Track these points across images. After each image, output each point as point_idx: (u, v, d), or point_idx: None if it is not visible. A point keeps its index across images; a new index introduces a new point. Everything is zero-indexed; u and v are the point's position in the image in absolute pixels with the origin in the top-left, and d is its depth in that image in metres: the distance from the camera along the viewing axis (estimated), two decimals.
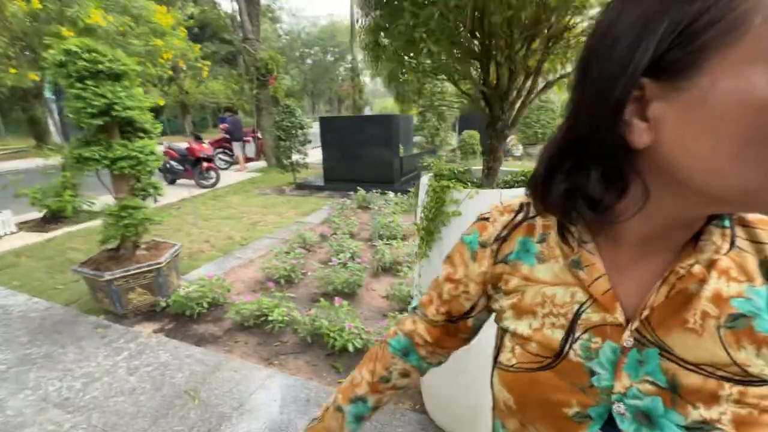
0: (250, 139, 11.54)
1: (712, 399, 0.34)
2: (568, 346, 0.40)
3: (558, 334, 0.41)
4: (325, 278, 3.26)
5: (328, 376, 2.29)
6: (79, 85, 2.40)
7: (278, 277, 3.43)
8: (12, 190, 5.27)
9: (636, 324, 0.37)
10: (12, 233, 5.28)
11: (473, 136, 9.13)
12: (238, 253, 4.28)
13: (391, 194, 5.65)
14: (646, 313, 0.37)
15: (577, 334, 0.40)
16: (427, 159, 6.71)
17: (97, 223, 5.72)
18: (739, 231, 0.37)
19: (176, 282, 3.19)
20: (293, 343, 2.61)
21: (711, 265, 0.36)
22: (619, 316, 0.38)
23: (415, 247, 1.93)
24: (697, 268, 0.35)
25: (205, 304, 2.99)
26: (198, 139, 8.66)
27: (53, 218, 5.69)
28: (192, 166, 8.10)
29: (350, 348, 2.38)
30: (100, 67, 2.45)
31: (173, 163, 8.29)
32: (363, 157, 7.06)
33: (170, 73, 7.56)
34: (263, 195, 7.20)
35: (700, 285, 0.36)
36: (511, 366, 0.44)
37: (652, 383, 0.36)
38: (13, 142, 19.03)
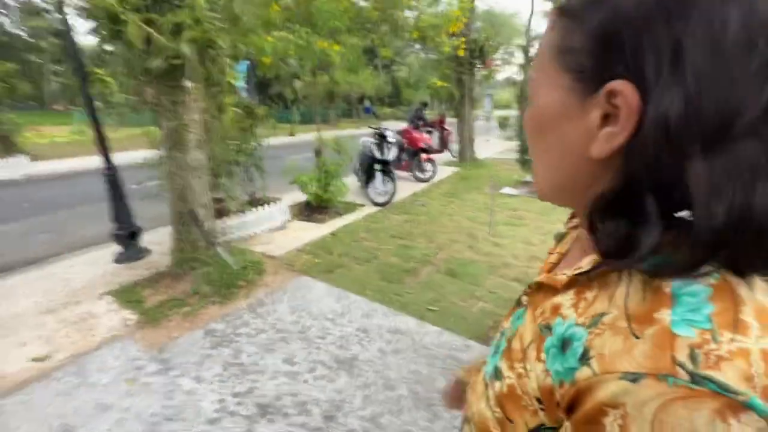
0: (432, 129, 10.77)
1: (511, 363, 0.39)
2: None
3: None
4: None
5: None
6: None
7: None
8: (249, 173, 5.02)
9: (526, 288, 0.46)
10: (288, 221, 5.05)
11: None
12: None
13: None
14: (532, 283, 0.44)
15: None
16: None
17: (357, 216, 5.26)
18: (639, 287, 0.30)
19: None
20: None
21: (573, 284, 0.37)
22: (535, 286, 0.44)
23: None
24: (563, 277, 0.38)
25: None
26: (416, 126, 8.03)
27: (317, 207, 5.38)
28: (411, 157, 7.45)
29: None
30: None
31: None
32: None
33: (447, 50, 7.01)
34: (513, 196, 6.13)
35: (558, 288, 0.38)
36: None
37: (509, 332, 0.44)
38: None
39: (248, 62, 13.68)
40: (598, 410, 0.27)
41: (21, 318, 2.86)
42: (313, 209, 5.38)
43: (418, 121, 8.98)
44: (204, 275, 3.15)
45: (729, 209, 0.26)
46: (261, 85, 21.76)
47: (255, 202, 4.83)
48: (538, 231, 4.47)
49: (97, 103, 3.69)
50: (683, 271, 0.28)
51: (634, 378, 0.26)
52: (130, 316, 2.86)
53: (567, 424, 0.30)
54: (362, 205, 5.75)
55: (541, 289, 0.42)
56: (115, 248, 4.22)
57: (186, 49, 2.68)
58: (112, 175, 3.73)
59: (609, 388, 0.27)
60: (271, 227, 4.75)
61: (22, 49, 33.34)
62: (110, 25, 2.73)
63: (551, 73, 0.35)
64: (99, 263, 3.87)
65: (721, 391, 0.24)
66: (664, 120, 0.27)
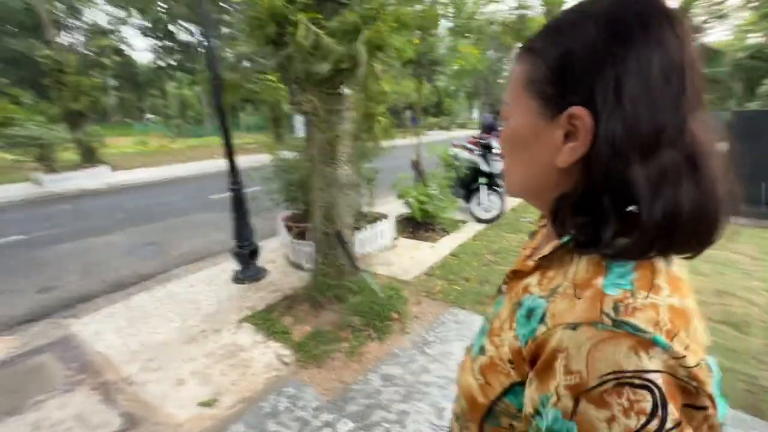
0: None
1: (491, 340, 0.46)
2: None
3: None
4: None
5: None
6: None
7: None
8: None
9: (504, 278, 0.53)
10: (395, 239, 4.68)
11: None
12: None
13: None
14: (509, 271, 0.52)
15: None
16: None
17: (467, 234, 4.82)
18: (584, 264, 0.39)
19: None
20: None
21: (539, 267, 0.46)
22: (511, 273, 0.52)
23: None
24: (531, 263, 0.47)
25: None
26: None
27: (421, 224, 4.99)
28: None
29: None
30: None
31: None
32: None
33: None
34: None
35: (528, 272, 0.47)
36: None
37: (491, 315, 0.51)
38: (247, 137, 22.18)
39: None
40: (550, 356, 0.35)
41: (167, 348, 2.61)
42: (416, 226, 4.99)
43: (491, 130, 8.48)
44: (353, 305, 2.80)
45: (664, 203, 0.35)
46: None
47: (363, 219, 4.51)
48: (708, 259, 3.83)
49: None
50: (638, 255, 0.37)
51: (574, 326, 0.34)
52: (282, 351, 2.54)
53: (531, 375, 0.38)
54: (464, 222, 5.31)
55: (516, 276, 0.50)
56: (226, 265, 4.02)
57: (362, 50, 2.37)
58: (237, 190, 3.50)
59: (557, 336, 0.35)
60: (381, 246, 4.40)
61: (88, 66, 36.02)
62: (275, 27, 2.48)
63: (522, 99, 0.43)
64: (217, 282, 3.64)
65: (634, 331, 0.32)
66: (612, 137, 0.36)
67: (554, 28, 0.42)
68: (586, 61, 0.37)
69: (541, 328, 0.37)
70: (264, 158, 4.60)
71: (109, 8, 36.03)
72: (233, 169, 3.45)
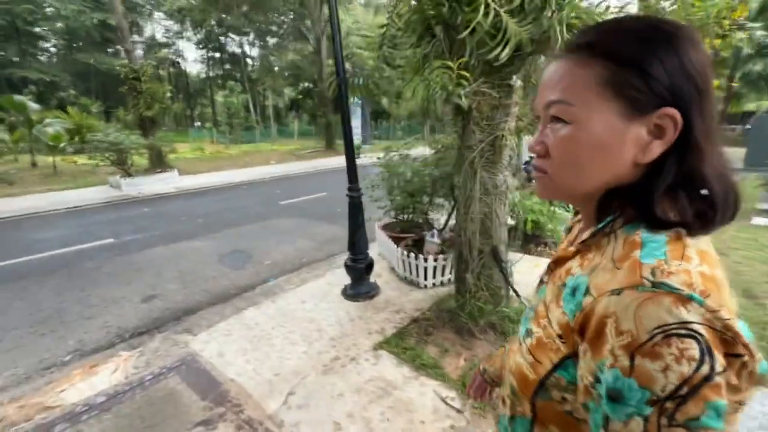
0: None
1: (537, 322, 0.52)
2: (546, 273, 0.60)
3: None
4: None
5: None
6: None
7: None
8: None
9: (546, 269, 0.58)
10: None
11: None
12: None
13: None
14: (550, 262, 0.57)
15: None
16: None
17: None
18: (621, 243, 0.45)
19: None
20: None
21: (580, 251, 0.51)
22: (552, 263, 0.57)
23: None
24: (572, 249, 0.52)
25: None
26: None
27: (531, 236, 4.47)
28: None
29: None
30: None
31: None
32: None
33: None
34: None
35: (569, 258, 0.52)
36: None
37: (534, 302, 0.57)
38: (303, 143, 22.50)
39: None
40: (600, 323, 0.39)
41: (305, 378, 2.27)
42: (523, 238, 4.48)
43: None
44: None
45: (724, 187, 0.43)
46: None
47: None
48: None
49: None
50: (707, 230, 0.43)
51: (618, 292, 0.39)
52: (443, 390, 2.12)
53: (583, 345, 0.42)
54: None
55: (557, 264, 0.55)
56: (330, 278, 3.70)
57: (563, 30, 1.94)
58: (356, 197, 3.17)
59: (603, 303, 0.39)
60: None
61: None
62: (446, 8, 2.11)
63: (597, 100, 0.44)
64: (329, 299, 3.30)
65: (671, 289, 0.37)
66: (702, 132, 0.42)
67: (624, 31, 0.45)
68: (671, 65, 0.41)
69: (588, 299, 0.42)
70: (315, 164, 4.29)
71: (167, 23, 38.19)
72: (353, 173, 3.12)
